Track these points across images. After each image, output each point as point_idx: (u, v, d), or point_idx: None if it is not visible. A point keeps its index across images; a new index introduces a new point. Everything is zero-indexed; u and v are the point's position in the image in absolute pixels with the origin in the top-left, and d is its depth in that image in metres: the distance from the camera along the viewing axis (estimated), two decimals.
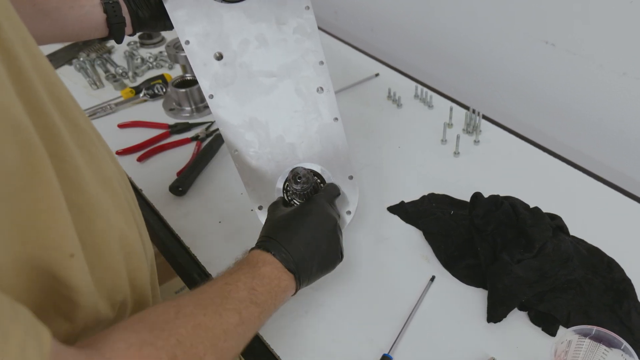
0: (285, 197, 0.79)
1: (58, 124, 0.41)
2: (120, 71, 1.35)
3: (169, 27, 0.84)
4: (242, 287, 0.55)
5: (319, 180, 0.80)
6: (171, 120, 1.19)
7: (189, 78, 1.22)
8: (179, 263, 0.87)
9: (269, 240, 0.64)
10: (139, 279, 0.54)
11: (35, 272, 0.39)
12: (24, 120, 0.36)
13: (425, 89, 1.18)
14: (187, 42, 0.80)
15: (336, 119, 0.82)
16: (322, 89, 0.82)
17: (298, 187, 0.75)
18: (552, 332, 0.73)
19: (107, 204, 0.48)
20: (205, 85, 0.80)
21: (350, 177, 0.81)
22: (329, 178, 0.81)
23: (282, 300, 0.61)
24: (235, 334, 0.51)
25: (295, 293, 0.64)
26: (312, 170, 0.80)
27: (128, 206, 0.54)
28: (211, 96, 0.81)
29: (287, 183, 0.80)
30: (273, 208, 0.74)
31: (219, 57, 0.81)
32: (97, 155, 0.49)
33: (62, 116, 0.43)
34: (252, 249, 0.65)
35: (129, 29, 0.81)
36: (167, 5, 0.80)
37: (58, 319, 0.44)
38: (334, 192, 0.77)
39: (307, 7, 0.82)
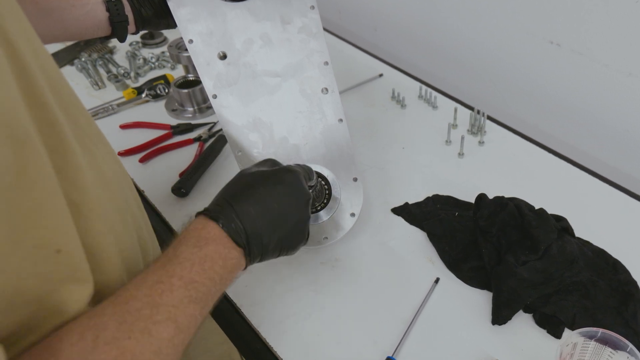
0: None
1: (60, 120, 0.40)
2: (122, 71, 1.34)
3: (172, 25, 0.83)
4: (178, 284, 0.46)
5: (323, 182, 0.80)
6: (173, 121, 1.18)
7: (191, 78, 1.22)
8: None
9: (221, 205, 0.54)
10: None
11: (21, 274, 0.37)
12: (19, 114, 0.35)
13: (429, 90, 1.18)
14: (191, 41, 0.80)
15: (341, 120, 0.82)
16: (326, 89, 0.82)
17: None
18: (557, 335, 0.72)
19: (106, 206, 0.46)
20: (208, 84, 0.80)
21: (355, 179, 0.81)
22: (333, 181, 0.80)
23: (229, 282, 0.53)
24: (171, 348, 0.43)
25: (245, 269, 0.56)
26: (316, 171, 0.79)
27: (128, 209, 0.52)
28: (215, 96, 0.80)
29: None
30: (257, 165, 0.64)
31: (223, 57, 0.80)
32: (98, 155, 0.48)
33: (63, 113, 0.42)
34: (199, 213, 0.55)
35: (131, 27, 0.81)
36: (170, 4, 0.79)
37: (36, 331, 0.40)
38: (309, 175, 0.69)
39: (312, 7, 0.82)
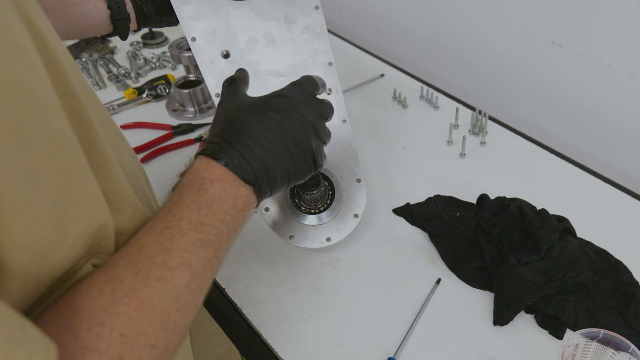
0: (292, 200, 0.79)
1: (87, 108, 0.41)
2: (123, 72, 1.34)
3: (174, 22, 0.83)
4: (187, 228, 0.45)
5: (327, 183, 0.80)
6: (174, 121, 1.18)
7: (192, 79, 1.22)
8: None
9: (218, 143, 0.51)
10: None
11: (64, 259, 0.38)
12: (52, 105, 0.36)
13: (431, 90, 1.18)
14: (194, 39, 0.79)
15: (344, 121, 0.82)
16: (330, 90, 0.82)
17: (307, 190, 0.74)
18: (559, 336, 0.72)
19: (132, 196, 0.47)
20: (211, 83, 0.80)
21: (358, 180, 0.81)
22: (337, 182, 0.80)
23: (242, 222, 0.51)
24: (188, 294, 0.43)
25: (257, 206, 0.54)
26: (320, 173, 0.79)
27: (148, 202, 0.53)
28: (217, 95, 0.80)
29: None
30: (230, 93, 0.59)
31: (226, 55, 0.80)
32: (119, 147, 0.49)
33: (87, 103, 0.43)
34: (198, 154, 0.52)
35: (133, 24, 0.81)
36: (173, 1, 0.79)
37: None
38: (312, 84, 0.61)
39: (317, 7, 0.81)
